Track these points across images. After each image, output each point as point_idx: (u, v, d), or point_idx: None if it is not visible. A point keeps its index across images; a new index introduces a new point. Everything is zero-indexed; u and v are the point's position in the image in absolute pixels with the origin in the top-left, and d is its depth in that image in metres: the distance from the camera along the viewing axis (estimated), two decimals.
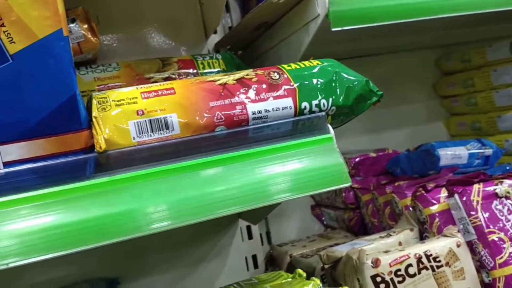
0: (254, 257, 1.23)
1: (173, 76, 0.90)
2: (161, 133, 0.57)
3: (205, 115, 0.59)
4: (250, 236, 1.22)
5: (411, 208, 0.96)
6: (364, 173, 1.19)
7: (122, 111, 0.56)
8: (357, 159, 1.19)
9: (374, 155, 1.20)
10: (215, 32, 1.16)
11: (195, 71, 0.92)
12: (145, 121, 0.57)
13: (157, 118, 0.57)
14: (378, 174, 1.19)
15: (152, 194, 0.55)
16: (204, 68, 0.93)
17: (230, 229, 1.19)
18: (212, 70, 0.93)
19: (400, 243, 0.91)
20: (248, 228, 1.22)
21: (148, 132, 0.57)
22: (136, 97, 0.58)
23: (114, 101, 0.57)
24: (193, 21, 1.15)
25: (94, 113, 0.55)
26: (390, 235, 0.93)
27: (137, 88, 0.59)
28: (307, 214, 1.37)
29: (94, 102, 0.56)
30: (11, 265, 0.50)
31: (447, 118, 1.50)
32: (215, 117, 0.59)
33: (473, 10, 0.90)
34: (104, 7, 1.05)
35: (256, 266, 1.22)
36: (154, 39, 1.13)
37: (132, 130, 0.56)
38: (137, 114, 0.57)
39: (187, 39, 1.14)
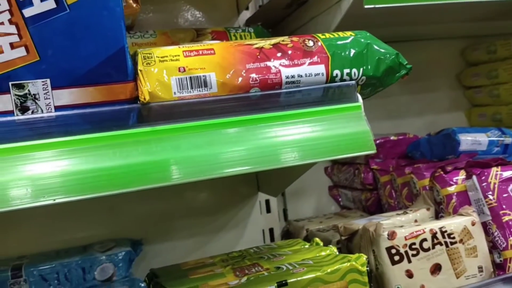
0: (271, 231, 1.27)
1: None
2: (200, 90, 0.61)
3: (241, 76, 0.62)
4: (268, 210, 1.26)
5: (428, 189, 0.99)
6: (384, 155, 1.22)
7: (165, 67, 0.60)
8: (377, 141, 1.21)
9: (394, 138, 1.22)
10: (247, 9, 1.19)
11: None
12: (186, 78, 0.60)
13: (197, 76, 0.60)
14: (398, 157, 1.22)
15: (189, 146, 0.59)
16: (236, 39, 0.96)
17: (249, 202, 1.23)
18: None
19: (416, 221, 0.94)
20: (267, 202, 1.26)
21: (188, 89, 0.60)
22: (179, 55, 0.61)
23: (158, 57, 0.60)
24: None
25: (140, 67, 0.59)
26: (407, 213, 0.96)
27: (179, 47, 0.63)
28: (325, 195, 1.40)
29: (140, 56, 0.60)
30: (57, 200, 0.54)
31: (469, 109, 1.51)
32: (251, 79, 0.62)
33: None
34: None
35: (272, 239, 1.26)
36: (187, 12, 1.16)
37: (173, 86, 0.60)
38: (179, 70, 0.60)
39: (219, 14, 1.18)
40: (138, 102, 0.59)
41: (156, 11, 1.14)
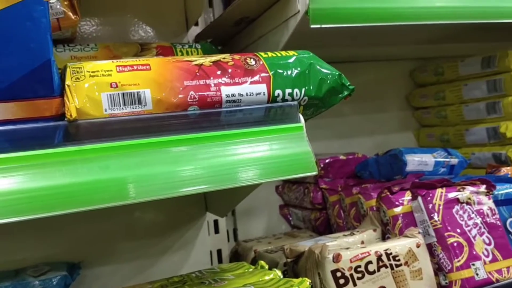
0: (219, 252, 1.23)
1: None
2: (133, 107, 0.57)
3: (179, 93, 0.59)
4: (216, 231, 1.22)
5: (375, 209, 0.98)
6: (333, 174, 1.21)
7: (96, 82, 0.56)
8: (327, 161, 1.21)
9: (344, 157, 1.22)
10: (196, 24, 1.17)
11: None
12: (118, 94, 0.57)
13: (130, 92, 0.57)
14: (347, 177, 1.21)
15: (119, 167, 0.55)
16: (182, 55, 0.94)
17: (197, 222, 1.19)
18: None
19: (362, 242, 0.93)
20: (215, 223, 1.22)
21: (120, 105, 0.57)
22: (111, 70, 0.58)
23: (89, 71, 0.57)
24: (175, 11, 1.15)
25: (68, 82, 0.55)
26: (354, 234, 0.95)
27: (113, 61, 0.59)
28: (275, 214, 1.38)
29: (69, 71, 0.56)
30: None
31: (418, 129, 1.54)
32: (189, 97, 0.60)
33: (446, 20, 0.93)
34: None
35: (220, 260, 1.22)
36: (134, 26, 1.13)
37: (104, 102, 0.56)
38: (111, 86, 0.57)
39: (168, 29, 1.15)
40: (65, 119, 0.55)
41: (102, 24, 1.10)
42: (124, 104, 0.57)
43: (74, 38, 0.93)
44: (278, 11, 0.92)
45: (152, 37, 1.14)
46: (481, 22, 0.98)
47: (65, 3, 0.81)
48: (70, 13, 0.81)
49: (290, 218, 1.36)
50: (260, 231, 1.34)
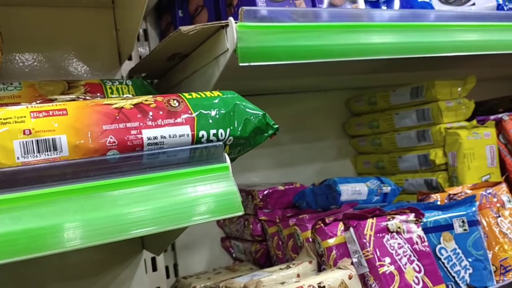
0: None
1: (79, 99, 0.88)
2: (48, 154, 0.56)
3: (97, 138, 0.58)
4: (154, 268, 1.20)
5: (311, 241, 0.99)
6: (272, 205, 1.22)
7: (8, 130, 0.54)
8: (265, 192, 1.21)
9: (282, 188, 1.23)
10: (130, 59, 1.16)
11: (102, 96, 0.91)
12: (32, 141, 0.55)
13: (45, 139, 0.56)
14: (286, 207, 1.22)
15: (32, 217, 0.53)
16: (112, 93, 0.92)
17: (134, 261, 1.16)
18: (120, 96, 0.92)
19: (298, 275, 0.93)
20: (153, 260, 1.20)
21: (34, 153, 0.55)
22: (25, 116, 0.56)
23: (0, 119, 0.55)
24: (108, 47, 1.14)
25: None
26: (290, 267, 0.95)
27: (27, 107, 0.58)
28: (217, 247, 1.37)
29: None
30: None
31: (355, 157, 1.58)
32: (108, 141, 0.59)
33: (373, 55, 0.97)
34: (11, 23, 1.02)
35: None
36: (65, 62, 1.10)
37: (16, 150, 0.54)
38: (24, 133, 0.55)
39: (100, 63, 1.13)
40: None
41: (30, 60, 1.07)
42: (39, 151, 0.55)
43: None
44: (208, 48, 0.93)
45: (84, 73, 1.11)
46: (404, 57, 1.03)
47: None
48: None
49: (232, 251, 1.35)
50: (202, 265, 1.32)
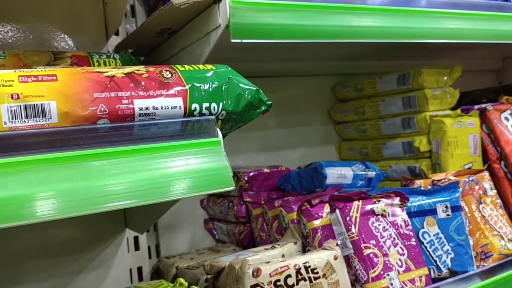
0: (140, 270, 1.19)
1: None
2: (36, 120, 0.54)
3: (88, 106, 0.57)
4: (137, 248, 1.18)
5: (296, 222, 0.99)
6: (257, 187, 1.21)
7: None
8: (251, 174, 1.21)
9: (267, 170, 1.23)
10: (117, 34, 1.13)
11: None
12: (20, 106, 0.53)
13: (34, 104, 0.54)
14: (271, 190, 1.22)
15: (19, 184, 0.51)
16: (99, 66, 0.90)
17: (116, 239, 1.15)
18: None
19: (283, 255, 0.93)
20: (136, 239, 1.18)
21: (22, 118, 0.53)
22: (13, 80, 0.54)
23: None
24: (95, 20, 1.11)
25: None
26: (275, 247, 0.95)
27: (15, 71, 0.56)
28: (200, 228, 1.36)
29: None
30: None
31: (339, 143, 1.58)
32: (98, 109, 0.57)
33: (364, 38, 0.97)
34: None
35: (141, 278, 1.18)
36: (51, 34, 1.07)
37: (4, 114, 0.52)
38: (12, 98, 0.53)
39: (86, 37, 1.10)
40: None
41: (14, 30, 1.03)
42: (27, 117, 0.53)
43: None
44: (199, 24, 0.91)
45: (70, 46, 1.09)
46: (397, 42, 1.03)
47: None
48: None
49: (215, 233, 1.34)
50: (185, 246, 1.32)
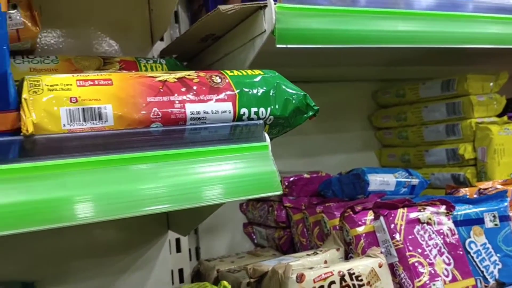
0: (181, 272, 1.21)
1: None
2: (93, 123, 0.56)
3: (142, 109, 0.58)
4: (178, 250, 1.20)
5: (338, 228, 0.99)
6: (297, 193, 1.21)
7: (54, 97, 0.55)
8: (291, 179, 1.21)
9: (308, 176, 1.22)
10: (162, 39, 1.15)
11: None
12: (78, 109, 0.55)
13: (91, 108, 0.56)
14: (311, 195, 1.22)
15: (77, 184, 0.53)
16: (146, 71, 0.92)
17: (159, 241, 1.17)
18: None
19: (325, 262, 0.92)
20: (177, 241, 1.20)
21: (80, 121, 0.55)
22: (71, 84, 0.56)
23: (47, 85, 0.55)
24: (141, 26, 1.14)
25: (25, 95, 0.53)
26: (317, 253, 0.94)
27: (73, 75, 0.58)
28: (239, 232, 1.37)
29: (26, 84, 0.54)
30: None
31: (379, 149, 1.56)
32: (152, 113, 0.59)
33: (408, 43, 0.96)
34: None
35: (182, 280, 1.20)
36: (98, 39, 1.11)
37: (63, 117, 0.54)
38: (70, 101, 0.55)
39: (132, 43, 1.13)
40: (21, 134, 0.53)
41: (64, 36, 1.07)
42: (84, 120, 0.55)
43: (34, 50, 0.90)
44: (244, 29, 0.92)
45: (116, 51, 1.12)
46: (441, 47, 1.01)
47: (26, 14, 0.79)
48: (30, 25, 0.79)
49: (254, 237, 1.35)
50: (223, 249, 1.33)
